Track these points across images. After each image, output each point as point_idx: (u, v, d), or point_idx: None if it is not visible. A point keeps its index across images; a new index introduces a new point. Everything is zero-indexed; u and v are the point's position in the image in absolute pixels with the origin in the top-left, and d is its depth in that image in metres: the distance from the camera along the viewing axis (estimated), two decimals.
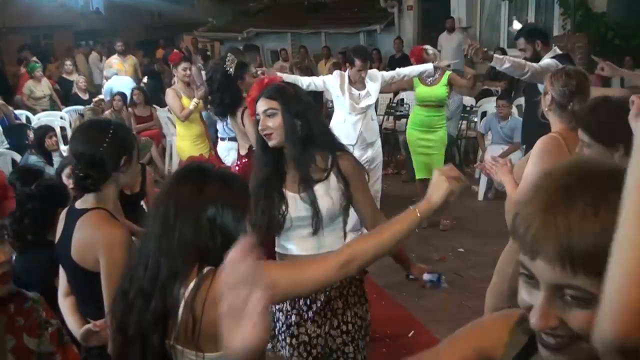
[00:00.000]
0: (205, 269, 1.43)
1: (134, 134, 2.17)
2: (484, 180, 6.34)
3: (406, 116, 7.92)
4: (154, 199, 1.78)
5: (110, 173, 2.00)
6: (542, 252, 0.79)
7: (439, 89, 5.25)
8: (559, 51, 4.30)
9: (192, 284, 1.40)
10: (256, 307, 0.89)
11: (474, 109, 7.59)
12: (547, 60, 4.15)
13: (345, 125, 4.75)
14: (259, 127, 2.18)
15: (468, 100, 7.55)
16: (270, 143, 2.16)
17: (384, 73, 5.00)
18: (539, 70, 3.98)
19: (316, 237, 2.18)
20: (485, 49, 4.24)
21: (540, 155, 2.41)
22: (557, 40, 7.96)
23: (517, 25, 5.03)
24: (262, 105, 2.19)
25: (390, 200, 5.41)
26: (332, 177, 2.15)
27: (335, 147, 2.22)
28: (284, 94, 2.20)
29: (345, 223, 2.25)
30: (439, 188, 1.54)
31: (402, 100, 8.10)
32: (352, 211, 2.27)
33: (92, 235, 1.97)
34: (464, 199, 6.09)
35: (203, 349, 1.37)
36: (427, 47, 5.35)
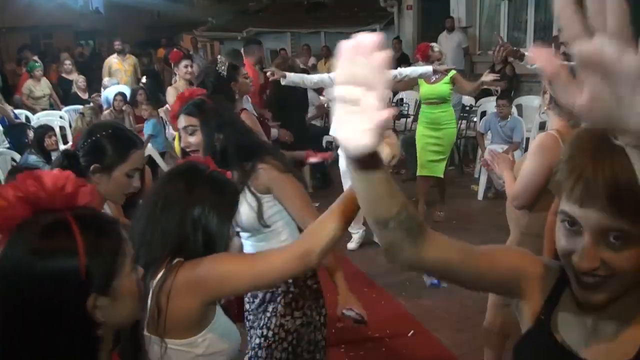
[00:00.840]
0: (175, 261, 1.49)
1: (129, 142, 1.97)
2: (483, 180, 6.34)
3: (405, 116, 7.94)
4: (146, 193, 1.83)
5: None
6: (593, 199, 0.87)
7: (442, 87, 5.26)
8: None
9: (159, 275, 1.47)
10: (371, 116, 0.73)
11: (474, 108, 7.60)
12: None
13: None
14: (182, 144, 2.22)
15: (467, 100, 7.55)
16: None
17: (404, 70, 5.00)
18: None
19: (253, 245, 2.26)
20: (516, 48, 4.09)
21: (538, 151, 2.42)
22: (557, 40, 7.96)
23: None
24: (182, 122, 2.21)
25: None
26: (246, 190, 2.12)
27: (256, 158, 2.15)
28: (202, 109, 2.20)
29: (283, 230, 2.23)
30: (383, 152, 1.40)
31: (402, 99, 8.10)
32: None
33: None
34: (464, 198, 6.10)
35: (167, 337, 1.46)
36: (434, 44, 5.32)
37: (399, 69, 5.07)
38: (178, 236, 1.51)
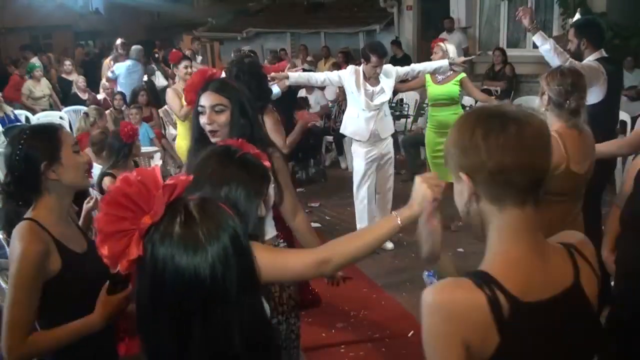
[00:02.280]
0: None
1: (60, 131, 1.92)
2: None
3: (405, 116, 7.94)
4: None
5: (32, 186, 1.85)
6: None
7: (451, 87, 5.13)
8: (604, 54, 4.00)
9: None
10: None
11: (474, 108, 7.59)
12: (588, 62, 3.91)
13: (358, 121, 4.75)
14: (205, 121, 2.16)
15: (468, 101, 7.54)
16: (214, 139, 2.16)
17: (399, 68, 4.90)
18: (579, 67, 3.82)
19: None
20: (534, 20, 4.11)
21: None
22: (556, 40, 7.95)
23: (577, 17, 4.82)
24: (210, 100, 2.16)
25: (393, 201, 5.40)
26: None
27: (267, 144, 2.27)
28: (233, 90, 2.21)
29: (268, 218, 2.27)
30: (419, 194, 1.53)
31: (402, 100, 8.10)
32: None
33: (11, 246, 1.88)
34: None
35: None
36: (442, 44, 5.15)
37: (411, 65, 5.03)
38: None
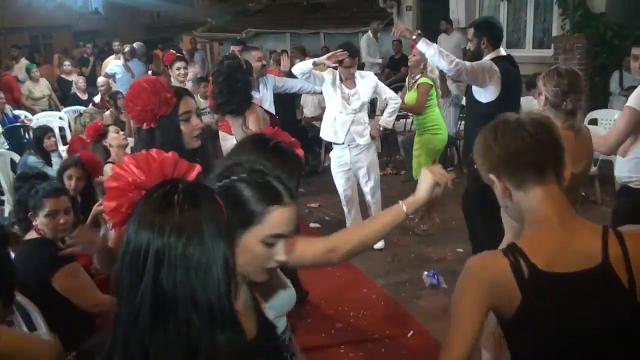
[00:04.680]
0: None
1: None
2: None
3: (405, 117, 7.93)
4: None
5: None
6: None
7: (411, 94, 5.52)
8: (503, 53, 4.04)
9: None
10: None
11: None
12: (481, 61, 3.94)
13: (335, 124, 4.77)
14: (197, 124, 2.22)
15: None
16: (196, 144, 2.23)
17: (384, 89, 4.98)
18: (468, 69, 3.81)
19: None
20: (412, 31, 4.18)
21: None
22: (556, 41, 7.97)
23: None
24: (193, 104, 2.25)
25: (389, 201, 5.38)
26: None
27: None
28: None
29: None
30: (424, 182, 1.67)
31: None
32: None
33: None
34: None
35: None
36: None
37: (386, 96, 5.02)
38: None
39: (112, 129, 4.48)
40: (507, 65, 3.92)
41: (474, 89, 3.94)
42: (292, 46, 12.57)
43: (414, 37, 4.05)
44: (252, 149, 1.72)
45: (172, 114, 2.13)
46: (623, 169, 3.18)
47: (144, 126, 2.13)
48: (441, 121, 5.56)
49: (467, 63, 3.88)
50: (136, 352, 1.05)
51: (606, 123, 6.18)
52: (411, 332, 3.72)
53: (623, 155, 3.16)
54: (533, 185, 1.37)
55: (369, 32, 10.52)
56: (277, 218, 1.28)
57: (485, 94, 3.88)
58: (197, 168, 1.20)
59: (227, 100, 3.78)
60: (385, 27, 11.50)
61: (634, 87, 3.23)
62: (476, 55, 4.03)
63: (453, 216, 5.59)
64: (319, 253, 1.68)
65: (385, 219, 1.71)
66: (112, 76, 8.64)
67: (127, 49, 8.59)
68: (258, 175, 1.32)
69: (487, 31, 3.97)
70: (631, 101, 3.07)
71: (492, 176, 1.41)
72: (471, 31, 4.11)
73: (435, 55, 3.88)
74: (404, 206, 1.67)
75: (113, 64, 8.68)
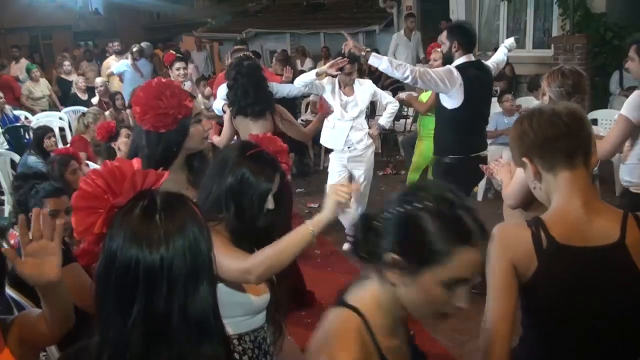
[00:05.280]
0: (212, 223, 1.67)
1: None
2: (483, 181, 6.33)
3: (405, 117, 7.94)
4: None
5: None
6: None
7: (426, 94, 5.40)
8: (473, 58, 3.94)
9: None
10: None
11: None
12: (444, 68, 3.90)
13: (334, 131, 4.78)
14: (206, 127, 2.20)
15: None
16: (204, 145, 2.23)
17: (383, 95, 5.08)
18: (425, 77, 3.74)
19: None
20: (361, 47, 4.06)
21: None
22: (556, 41, 7.97)
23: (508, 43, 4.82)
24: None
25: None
26: None
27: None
28: None
29: None
30: (328, 201, 1.68)
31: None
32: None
33: None
34: None
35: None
36: (439, 49, 4.99)
37: (386, 101, 5.07)
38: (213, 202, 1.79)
39: (124, 132, 4.43)
40: (473, 71, 3.85)
41: (441, 95, 3.91)
42: (292, 46, 12.58)
43: (363, 53, 3.98)
44: (230, 152, 1.84)
45: (188, 117, 2.08)
46: (624, 173, 3.20)
47: (161, 130, 2.03)
48: None
49: (428, 70, 3.85)
50: None
51: (606, 123, 6.19)
52: (411, 332, 3.71)
53: (624, 160, 3.17)
54: (563, 168, 1.49)
55: (402, 30, 9.83)
56: (465, 261, 1.12)
57: (449, 101, 3.85)
58: (165, 175, 1.19)
59: (256, 100, 3.76)
60: (385, 27, 11.52)
61: (634, 87, 3.22)
62: (447, 58, 3.99)
63: None
64: (235, 273, 1.71)
65: (293, 239, 1.73)
66: (120, 75, 8.59)
67: (135, 48, 8.55)
68: (446, 206, 1.13)
69: (459, 36, 3.89)
70: (625, 110, 3.00)
71: (525, 159, 1.54)
72: (444, 34, 4.04)
73: (388, 68, 3.82)
74: (310, 225, 1.71)
75: (121, 63, 8.64)
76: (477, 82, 3.87)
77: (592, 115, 6.36)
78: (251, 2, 16.09)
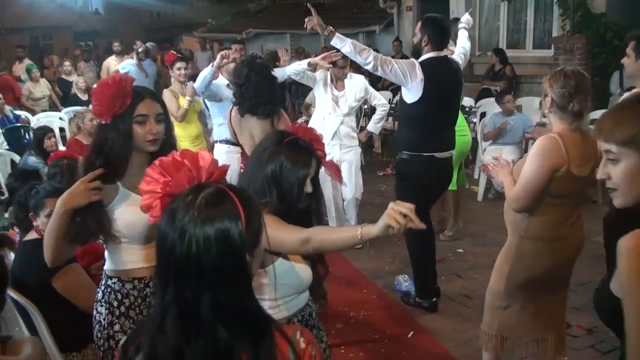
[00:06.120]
0: None
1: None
2: (483, 181, 6.34)
3: None
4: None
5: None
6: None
7: None
8: (441, 54, 3.80)
9: None
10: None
11: (473, 109, 7.58)
12: (407, 61, 3.83)
13: (323, 124, 4.76)
14: (150, 130, 2.03)
15: (467, 101, 7.54)
16: (152, 148, 2.06)
17: (374, 94, 5.07)
18: (387, 66, 3.65)
19: None
20: (325, 27, 3.96)
21: (538, 155, 2.42)
22: (556, 41, 7.97)
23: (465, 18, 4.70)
24: (153, 108, 2.06)
25: (389, 201, 5.40)
26: None
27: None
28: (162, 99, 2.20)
29: None
30: (383, 220, 1.66)
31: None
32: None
33: None
34: (464, 199, 6.09)
35: None
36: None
37: (377, 100, 5.06)
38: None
39: None
40: (437, 68, 3.73)
41: (402, 88, 3.82)
42: (292, 46, 12.58)
43: (326, 33, 3.89)
44: (268, 141, 1.96)
45: (125, 114, 2.00)
46: None
47: (102, 121, 2.03)
48: (464, 122, 5.34)
49: (391, 60, 3.73)
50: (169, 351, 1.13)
51: None
52: (411, 332, 3.72)
53: None
54: None
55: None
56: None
57: (409, 95, 3.76)
58: (225, 169, 1.31)
59: (268, 100, 3.70)
60: (385, 27, 11.51)
61: (634, 88, 3.21)
62: (416, 50, 3.87)
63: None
64: (297, 242, 1.79)
65: (343, 235, 1.80)
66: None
67: (140, 49, 8.54)
68: None
69: (431, 31, 3.76)
70: None
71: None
72: (418, 24, 3.91)
73: (351, 51, 3.71)
74: (359, 233, 1.73)
75: (126, 62, 8.65)
76: (440, 80, 3.73)
77: (592, 115, 6.34)
78: (251, 2, 16.09)
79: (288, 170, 1.88)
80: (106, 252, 2.15)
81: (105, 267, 2.17)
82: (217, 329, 1.11)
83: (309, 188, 1.92)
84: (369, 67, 3.73)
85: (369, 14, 12.01)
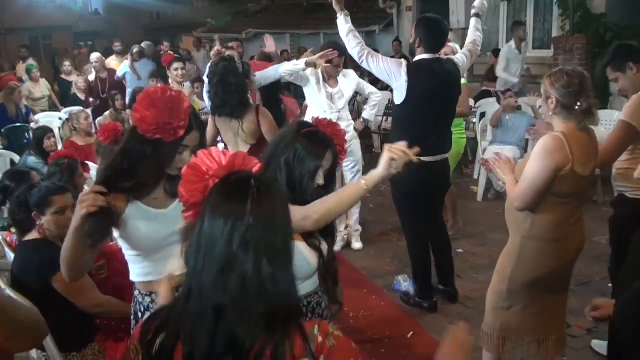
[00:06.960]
0: None
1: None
2: (483, 181, 6.34)
3: None
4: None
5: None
6: None
7: None
8: (435, 55, 3.72)
9: None
10: None
11: (473, 110, 7.57)
12: (395, 60, 3.81)
13: None
14: (187, 161, 1.88)
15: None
16: (175, 173, 2.02)
17: (366, 86, 5.08)
18: (372, 62, 3.69)
19: None
20: (342, 6, 4.07)
21: (541, 154, 2.39)
22: (556, 41, 7.97)
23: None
24: (196, 140, 1.99)
25: (389, 201, 5.39)
26: None
27: None
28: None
29: None
30: (382, 158, 1.78)
31: None
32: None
33: None
34: (464, 199, 6.09)
35: None
36: (450, 44, 4.96)
37: (369, 91, 5.06)
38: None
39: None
40: (425, 72, 3.64)
41: (393, 88, 3.80)
42: (292, 46, 12.58)
43: (340, 13, 4.03)
44: (287, 132, 2.01)
45: (173, 143, 1.89)
46: (616, 178, 3.14)
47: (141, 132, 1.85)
48: (461, 124, 5.30)
49: (378, 56, 3.75)
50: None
51: (606, 123, 6.18)
52: (411, 333, 3.71)
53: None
54: None
55: (512, 42, 7.85)
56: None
57: (397, 95, 3.73)
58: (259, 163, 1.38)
59: (223, 102, 3.82)
60: (385, 28, 11.52)
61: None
62: (412, 51, 3.88)
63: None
64: (296, 221, 1.78)
65: (348, 192, 1.90)
66: (122, 78, 8.58)
67: (135, 50, 8.49)
68: None
69: (423, 32, 3.72)
70: (625, 115, 2.93)
71: None
72: (415, 25, 3.88)
73: (349, 34, 3.83)
74: (363, 181, 1.84)
75: (123, 65, 8.62)
76: (425, 82, 3.64)
77: None
78: (251, 2, 16.11)
79: (301, 160, 1.92)
80: (129, 264, 2.08)
81: (131, 278, 2.11)
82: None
83: (320, 180, 1.94)
84: (355, 54, 3.80)
85: (369, 14, 12.01)
